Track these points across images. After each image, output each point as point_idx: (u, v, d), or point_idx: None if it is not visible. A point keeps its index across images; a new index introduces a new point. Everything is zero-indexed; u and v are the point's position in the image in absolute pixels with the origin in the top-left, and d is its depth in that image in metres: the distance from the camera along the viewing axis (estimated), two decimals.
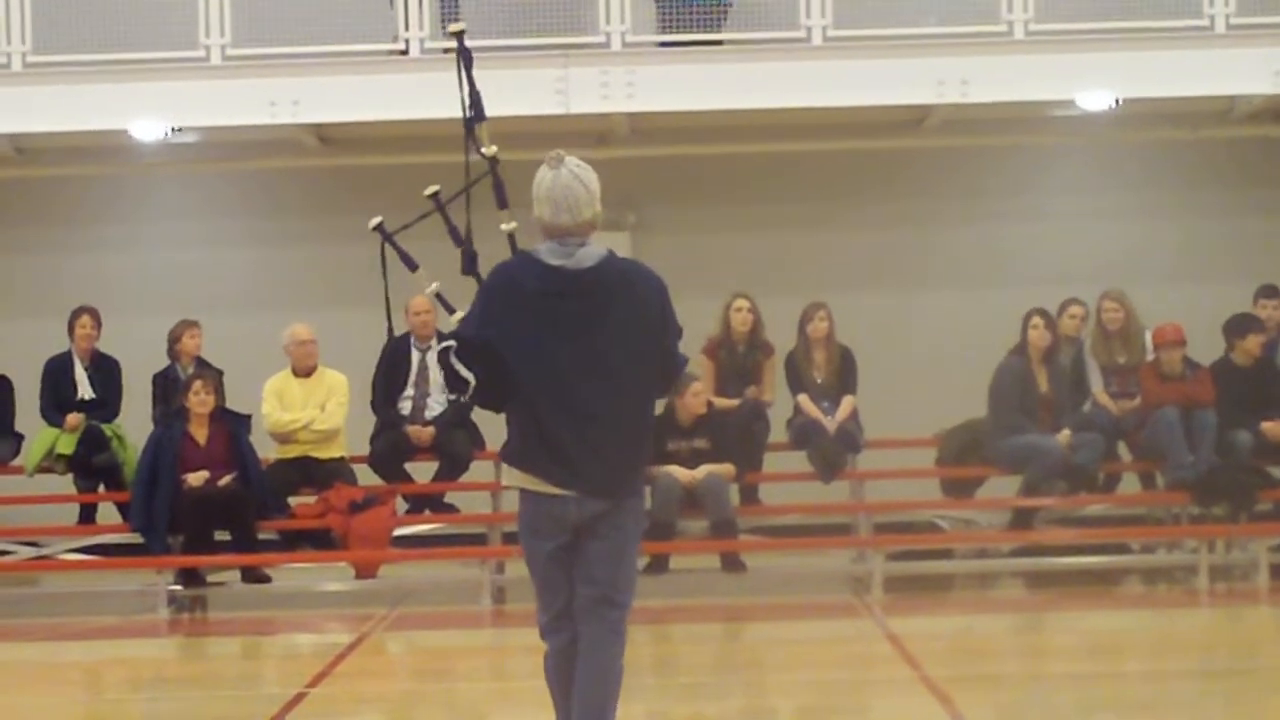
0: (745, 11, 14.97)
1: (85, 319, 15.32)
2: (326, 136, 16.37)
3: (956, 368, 15.63)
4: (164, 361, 15.28)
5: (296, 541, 14.73)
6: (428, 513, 15.05)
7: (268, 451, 14.87)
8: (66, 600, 15.17)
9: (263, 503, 14.44)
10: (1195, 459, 14.52)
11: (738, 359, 14.96)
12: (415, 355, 14.93)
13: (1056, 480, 14.58)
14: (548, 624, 6.82)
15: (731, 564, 14.56)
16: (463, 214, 7.37)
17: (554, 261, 6.66)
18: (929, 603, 14.53)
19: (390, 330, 8.08)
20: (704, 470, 14.27)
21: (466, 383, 6.63)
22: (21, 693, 11.19)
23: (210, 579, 14.81)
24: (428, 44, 14.78)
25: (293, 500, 14.72)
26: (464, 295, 6.91)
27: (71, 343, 15.35)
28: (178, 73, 14.88)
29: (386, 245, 7.44)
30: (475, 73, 7.48)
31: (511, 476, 6.74)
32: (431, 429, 14.77)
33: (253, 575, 14.60)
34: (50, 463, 15.10)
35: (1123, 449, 15.25)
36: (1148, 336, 15.09)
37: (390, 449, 14.86)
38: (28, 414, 15.30)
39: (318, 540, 14.58)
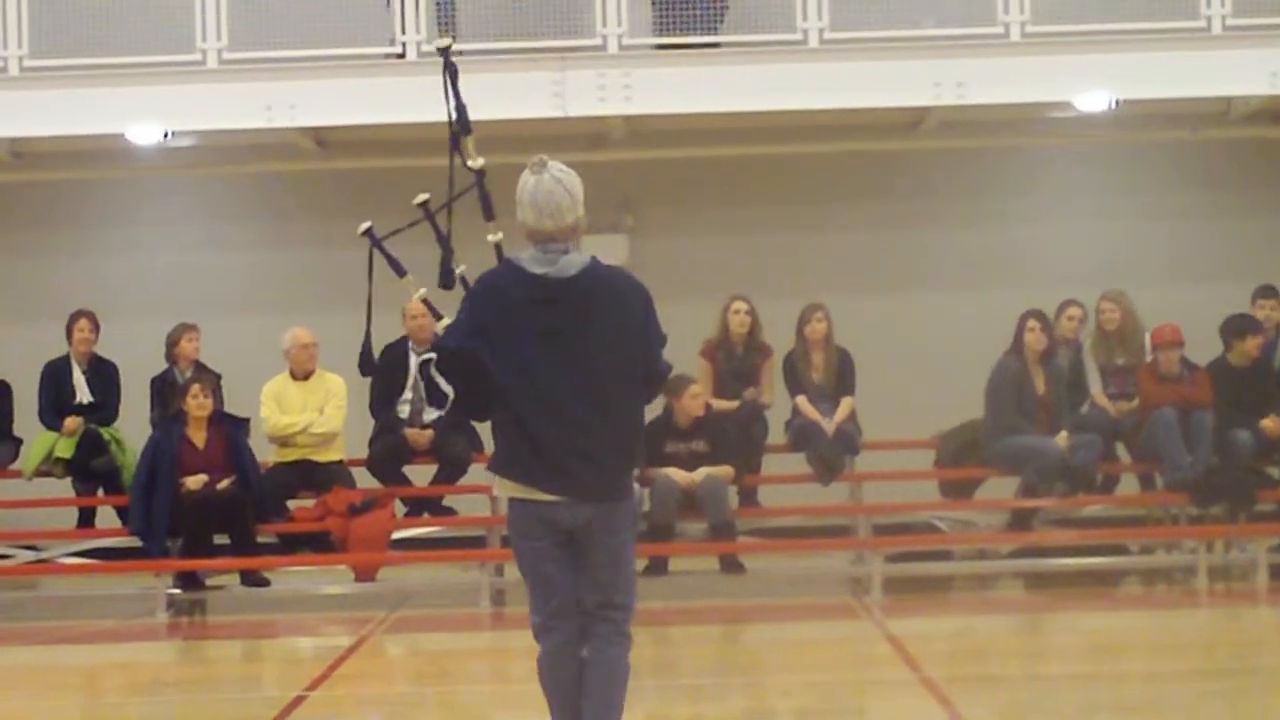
0: (742, 14, 14.96)
1: (83, 323, 15.33)
2: (324, 140, 16.36)
3: (955, 369, 15.62)
4: (162, 365, 15.29)
5: (295, 545, 14.74)
6: (426, 516, 15.06)
7: (266, 455, 14.87)
8: (65, 604, 15.14)
9: (261, 506, 14.44)
10: (1193, 460, 14.54)
11: (736, 361, 14.96)
12: (413, 359, 14.92)
13: (1055, 481, 14.59)
14: (540, 625, 6.85)
15: (731, 566, 14.57)
16: (451, 223, 7.40)
17: (537, 270, 6.69)
18: (928, 604, 14.52)
19: (368, 335, 8.09)
20: (703, 472, 14.27)
21: (446, 396, 6.70)
22: (20, 696, 11.18)
23: (209, 582, 14.81)
24: (424, 47, 14.76)
25: (291, 503, 14.73)
26: (450, 304, 6.92)
27: (70, 346, 15.36)
28: (174, 76, 14.86)
29: (375, 250, 7.47)
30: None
31: (504, 487, 6.82)
32: (430, 432, 14.75)
33: (252, 578, 14.60)
34: (49, 466, 15.11)
35: (1121, 450, 15.26)
36: (1146, 337, 15.09)
37: (389, 452, 14.86)
38: (26, 418, 15.29)
39: (317, 543, 14.59)
